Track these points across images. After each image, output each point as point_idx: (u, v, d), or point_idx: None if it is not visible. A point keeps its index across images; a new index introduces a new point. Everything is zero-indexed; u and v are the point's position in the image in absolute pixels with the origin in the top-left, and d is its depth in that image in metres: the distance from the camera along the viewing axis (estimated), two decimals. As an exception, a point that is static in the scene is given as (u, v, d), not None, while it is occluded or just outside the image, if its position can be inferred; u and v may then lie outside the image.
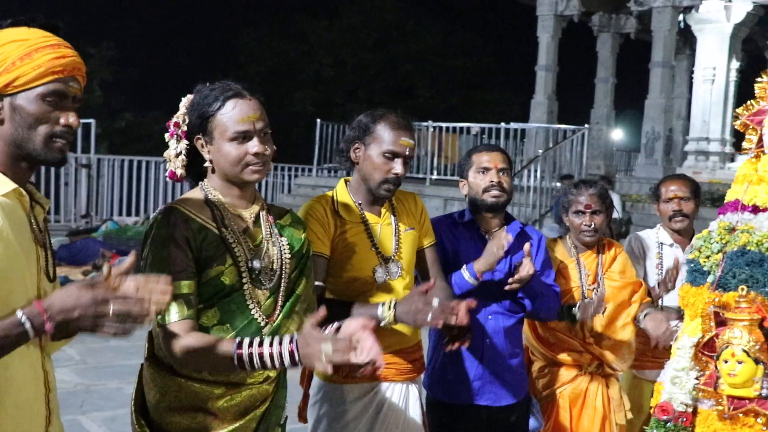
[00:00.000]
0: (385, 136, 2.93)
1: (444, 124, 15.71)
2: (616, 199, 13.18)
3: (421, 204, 3.23)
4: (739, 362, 2.19)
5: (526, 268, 3.14)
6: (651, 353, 3.84)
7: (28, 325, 1.69)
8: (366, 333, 2.10)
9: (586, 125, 14.25)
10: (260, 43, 30.77)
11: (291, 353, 2.13)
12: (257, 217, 2.45)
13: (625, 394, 3.82)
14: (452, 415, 3.42)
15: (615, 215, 11.78)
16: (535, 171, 13.02)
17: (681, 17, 15.92)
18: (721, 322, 2.26)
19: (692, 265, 2.43)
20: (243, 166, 2.33)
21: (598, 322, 3.68)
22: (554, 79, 17.44)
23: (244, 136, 2.32)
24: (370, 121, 2.98)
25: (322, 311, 2.15)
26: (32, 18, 1.96)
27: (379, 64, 30.54)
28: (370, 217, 3.02)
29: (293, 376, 2.60)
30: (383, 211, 3.05)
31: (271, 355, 2.14)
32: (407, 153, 2.94)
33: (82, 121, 15.90)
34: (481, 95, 31.43)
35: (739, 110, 2.46)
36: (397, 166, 2.92)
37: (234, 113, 2.32)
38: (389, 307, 2.72)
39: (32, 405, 1.94)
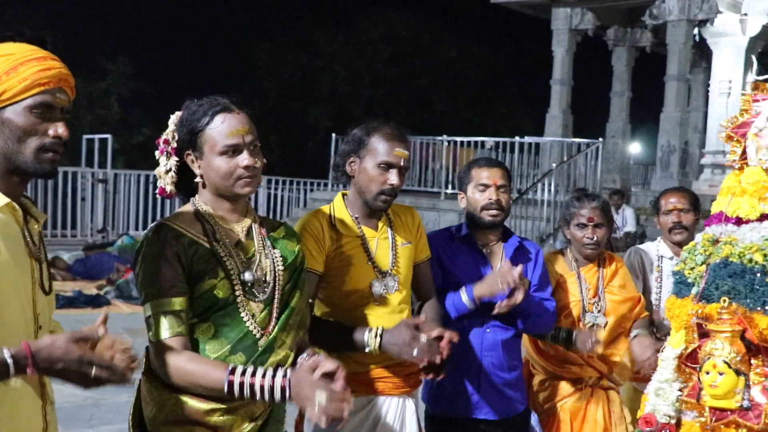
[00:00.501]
0: (379, 147, 2.94)
1: (459, 138, 15.71)
2: (630, 213, 13.13)
3: (418, 218, 3.23)
4: (721, 373, 2.20)
5: (518, 296, 3.12)
6: (637, 370, 3.82)
7: (11, 364, 1.73)
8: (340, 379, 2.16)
9: (600, 139, 14.21)
10: (276, 58, 30.95)
11: (283, 389, 2.16)
12: (249, 229, 2.46)
13: (626, 408, 3.80)
14: (451, 428, 3.41)
15: (629, 229, 11.70)
16: (549, 185, 12.98)
17: (696, 31, 15.85)
18: (704, 334, 2.27)
19: (677, 276, 2.44)
20: (234, 180, 2.35)
21: (599, 334, 3.67)
22: (569, 93, 17.40)
23: (233, 150, 2.33)
24: (363, 134, 2.99)
25: (321, 358, 2.20)
26: (19, 32, 1.98)
27: (395, 78, 30.64)
28: (367, 231, 3.03)
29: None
30: (380, 225, 3.06)
31: (262, 387, 2.16)
32: (402, 163, 2.95)
33: (100, 136, 16.15)
34: (496, 109, 31.43)
35: (723, 123, 2.47)
36: (393, 177, 2.93)
37: (223, 127, 2.33)
38: (375, 335, 2.75)
39: (28, 417, 1.97)
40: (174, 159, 2.42)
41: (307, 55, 30.77)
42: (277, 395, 2.17)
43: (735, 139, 2.43)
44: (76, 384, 1.80)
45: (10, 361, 1.72)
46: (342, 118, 28.51)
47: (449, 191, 14.86)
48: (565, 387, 3.71)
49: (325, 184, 17.47)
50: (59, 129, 1.96)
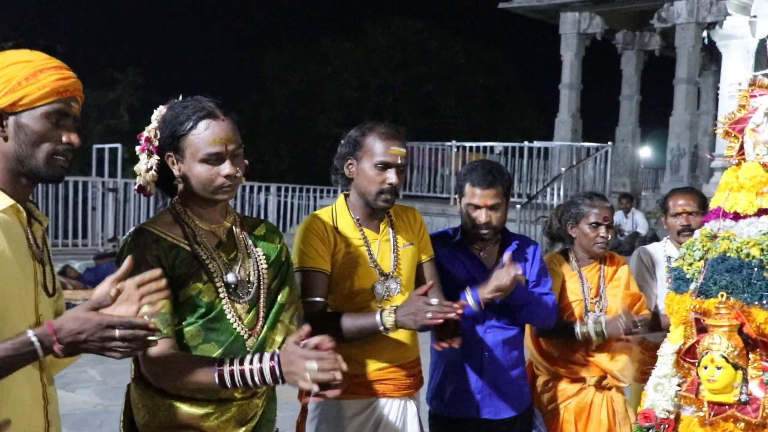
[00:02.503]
0: (375, 147, 2.93)
1: (468, 144, 15.72)
2: (640, 216, 13.10)
3: (420, 219, 3.22)
4: (719, 368, 2.20)
5: (504, 281, 3.03)
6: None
7: (37, 345, 1.76)
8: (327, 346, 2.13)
9: (609, 143, 14.19)
10: (284, 66, 31.05)
11: (272, 369, 2.14)
12: (230, 231, 2.45)
13: (631, 407, 3.79)
14: (454, 428, 3.42)
15: (641, 231, 11.64)
16: (559, 189, 12.97)
17: (705, 33, 15.83)
18: (702, 329, 2.27)
19: (676, 272, 2.44)
20: (214, 188, 2.32)
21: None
22: (578, 97, 17.40)
23: (216, 158, 2.30)
24: (359, 135, 2.98)
25: (306, 329, 2.16)
26: (33, 42, 2.04)
27: (403, 85, 30.67)
28: (369, 233, 3.03)
29: (288, 391, 2.62)
30: (382, 226, 3.06)
31: (251, 372, 2.15)
32: (399, 162, 2.94)
33: (110, 146, 16.24)
34: (505, 114, 31.41)
35: (721, 118, 2.47)
36: (391, 176, 2.92)
37: (206, 135, 2.29)
38: (389, 312, 2.74)
39: (30, 417, 1.98)
40: (155, 158, 2.37)
41: (315, 62, 30.86)
42: (268, 377, 2.15)
43: (732, 134, 2.44)
44: (104, 352, 1.81)
45: (35, 340, 1.76)
46: (350, 125, 28.42)
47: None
48: (568, 387, 3.70)
49: (335, 191, 17.49)
50: (72, 137, 2.01)
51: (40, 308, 2.02)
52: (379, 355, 2.98)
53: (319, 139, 29.53)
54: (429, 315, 2.66)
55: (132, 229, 2.40)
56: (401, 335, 2.99)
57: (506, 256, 3.10)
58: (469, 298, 3.13)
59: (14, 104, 1.95)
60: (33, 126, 1.96)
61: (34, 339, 1.75)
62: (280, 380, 2.15)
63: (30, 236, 2.03)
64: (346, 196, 3.10)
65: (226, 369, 2.16)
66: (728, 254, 2.28)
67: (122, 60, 28.17)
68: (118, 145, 15.91)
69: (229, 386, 2.18)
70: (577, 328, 3.57)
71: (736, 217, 2.37)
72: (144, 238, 2.30)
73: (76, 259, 12.48)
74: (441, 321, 2.68)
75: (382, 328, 2.77)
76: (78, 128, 2.04)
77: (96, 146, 17.09)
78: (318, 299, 2.85)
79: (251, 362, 2.16)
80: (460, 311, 2.70)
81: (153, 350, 2.19)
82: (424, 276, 3.16)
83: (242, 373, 2.16)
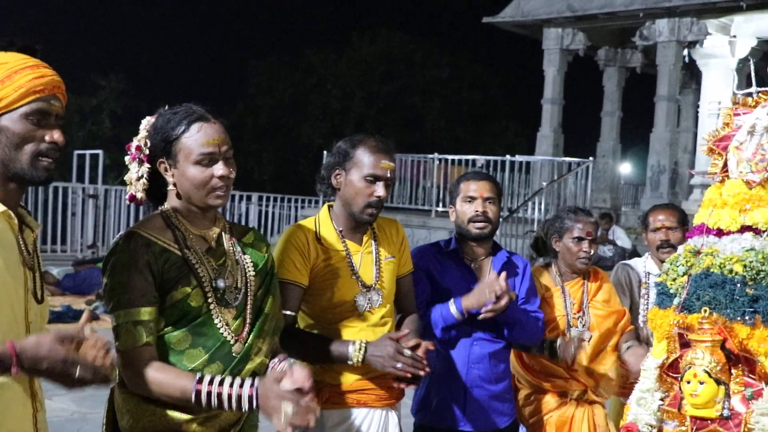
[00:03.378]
0: (365, 160, 2.93)
1: (450, 156, 15.76)
2: (621, 232, 13.17)
3: (402, 232, 3.23)
4: (701, 383, 2.22)
5: (502, 301, 3.11)
6: (633, 381, 3.84)
7: None
8: (307, 388, 2.14)
9: (591, 158, 14.28)
10: (269, 75, 31.03)
11: (250, 398, 2.15)
12: (219, 236, 2.45)
13: (611, 421, 3.81)
14: (438, 440, 3.42)
15: (623, 246, 11.69)
16: (540, 204, 13.02)
17: (686, 52, 16.00)
18: (685, 344, 2.28)
19: (660, 287, 2.46)
20: (208, 190, 2.33)
21: (583, 353, 3.68)
22: (560, 113, 17.50)
23: (209, 159, 2.32)
24: (349, 147, 2.98)
25: (297, 369, 2.18)
26: (10, 42, 2.01)
27: (387, 97, 30.72)
28: (351, 245, 3.02)
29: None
30: (365, 239, 3.05)
31: (230, 396, 2.16)
32: (388, 175, 2.94)
33: (90, 152, 16.14)
34: (488, 128, 31.52)
35: (705, 136, 2.50)
36: (379, 189, 2.92)
37: (199, 136, 2.31)
38: (359, 348, 2.76)
39: (19, 425, 1.97)
40: (146, 166, 2.38)
41: (300, 72, 30.86)
42: (245, 404, 2.16)
43: (716, 152, 2.46)
44: (60, 383, 1.80)
45: None
46: (334, 136, 28.30)
47: (440, 209, 14.89)
48: (550, 400, 3.71)
49: (317, 202, 17.48)
50: (55, 135, 1.98)
51: (30, 315, 2.00)
52: (359, 366, 2.99)
53: (303, 149, 29.51)
54: (399, 366, 2.69)
55: (122, 232, 2.38)
56: None
57: (502, 275, 3.13)
58: (452, 307, 3.16)
59: None
60: (13, 128, 1.94)
61: None
62: (256, 408, 2.17)
63: (21, 243, 2.01)
64: (330, 206, 3.09)
65: (204, 388, 2.17)
66: (711, 270, 2.30)
67: (105, 66, 28.07)
68: (100, 152, 15.80)
69: (204, 405, 2.18)
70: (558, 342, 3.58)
71: (720, 233, 2.39)
72: (135, 242, 2.29)
73: (54, 265, 12.39)
74: (408, 375, 2.73)
75: (349, 361, 2.79)
76: (62, 126, 2.01)
77: (77, 152, 16.97)
78: (289, 312, 2.83)
79: (231, 386, 2.17)
80: (426, 371, 2.73)
81: (131, 359, 2.21)
82: (402, 290, 3.16)
83: (219, 395, 2.17)
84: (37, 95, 1.96)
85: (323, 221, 3.04)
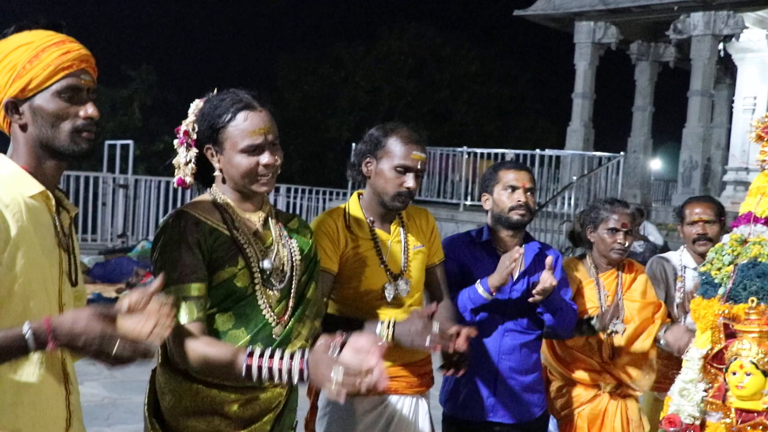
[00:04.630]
0: (396, 150, 2.91)
1: (479, 150, 15.69)
2: (652, 227, 13.03)
3: (432, 221, 3.22)
4: (748, 374, 2.17)
5: (549, 280, 3.12)
6: (673, 375, 3.77)
7: (31, 341, 1.72)
8: (373, 351, 2.08)
9: (621, 153, 14.14)
10: (297, 69, 31.07)
11: (301, 371, 2.14)
12: (266, 220, 2.47)
13: (645, 416, 3.75)
14: (467, 431, 3.39)
15: (653, 240, 11.59)
16: (570, 198, 12.92)
17: (721, 46, 15.76)
18: (730, 334, 2.23)
19: (704, 277, 2.40)
20: (254, 178, 2.35)
21: (618, 341, 3.63)
22: (591, 107, 17.32)
23: (255, 149, 2.33)
24: (381, 135, 2.96)
25: (338, 336, 2.15)
26: (35, 21, 2.00)
27: (416, 91, 30.62)
28: (381, 233, 3.01)
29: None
30: (393, 227, 3.04)
31: (280, 370, 2.15)
32: (419, 167, 2.92)
33: (121, 142, 16.28)
34: (517, 122, 31.34)
35: (754, 122, 2.44)
36: (409, 180, 2.91)
37: (245, 125, 2.32)
38: (388, 326, 2.73)
39: (51, 406, 1.96)
40: (194, 151, 2.40)
41: (328, 66, 30.87)
42: (295, 377, 2.15)
43: (765, 139, 2.40)
44: (98, 360, 1.78)
45: (29, 334, 1.71)
46: (362, 130, 28.46)
47: (468, 203, 14.84)
48: (582, 394, 3.67)
49: (345, 194, 17.49)
50: (89, 110, 1.97)
51: (64, 297, 2.00)
52: (390, 354, 2.95)
53: (330, 142, 29.54)
54: (426, 342, 2.65)
55: (172, 211, 2.41)
56: None
57: (548, 259, 3.15)
58: (479, 288, 3.12)
59: (24, 90, 1.92)
60: (47, 107, 1.93)
61: (28, 333, 1.71)
62: (306, 380, 2.16)
63: (57, 224, 2.00)
64: (360, 195, 3.08)
65: (255, 362, 2.16)
66: (759, 259, 2.25)
67: (135, 57, 28.27)
68: (130, 142, 15.90)
69: (255, 379, 2.18)
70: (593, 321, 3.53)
71: (768, 222, 2.34)
72: (185, 221, 2.31)
73: (85, 254, 12.49)
74: (437, 350, 2.68)
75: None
76: (95, 99, 2.00)
77: (108, 142, 17.11)
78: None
79: (281, 358, 2.16)
80: (462, 344, 2.68)
81: (187, 327, 2.21)
82: (434, 279, 3.15)
83: (270, 368, 2.16)
84: (66, 71, 1.94)
85: (353, 209, 3.03)
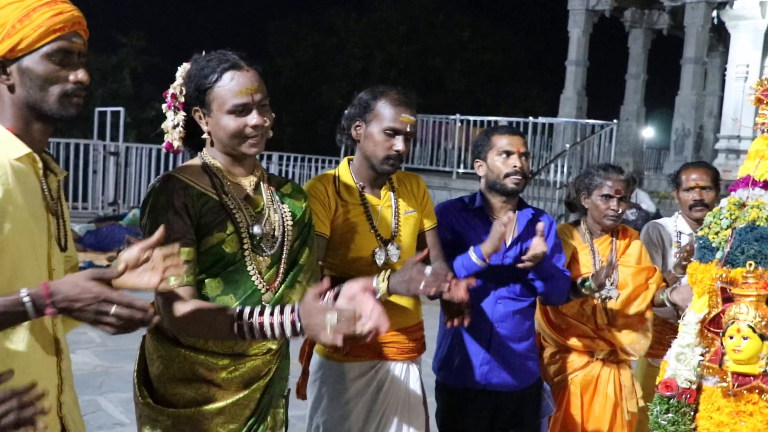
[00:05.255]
0: (385, 113, 2.89)
1: (472, 118, 15.63)
2: (644, 195, 13.06)
3: (423, 186, 3.20)
4: (745, 338, 2.16)
5: (539, 247, 3.11)
6: (666, 341, 3.78)
7: (29, 306, 1.71)
8: (367, 296, 2.08)
9: (614, 120, 14.11)
10: (289, 35, 30.80)
11: (293, 323, 2.10)
12: (257, 185, 2.43)
13: (638, 382, 3.77)
14: (461, 398, 3.39)
15: (645, 208, 11.59)
16: (562, 166, 12.91)
17: (715, 13, 15.70)
18: (727, 299, 2.23)
19: (701, 241, 2.39)
20: (242, 139, 2.31)
21: (612, 306, 3.63)
22: (584, 75, 17.29)
23: (242, 109, 2.29)
24: (370, 98, 2.94)
25: (326, 283, 2.13)
26: None
27: (408, 58, 30.42)
28: (371, 198, 3.00)
29: (294, 351, 2.58)
30: (383, 192, 3.03)
31: (272, 325, 2.12)
32: (408, 129, 2.91)
33: (112, 109, 16.14)
34: (510, 90, 31.21)
35: (753, 85, 2.41)
36: (399, 143, 2.89)
37: (232, 85, 2.28)
38: (383, 278, 2.70)
39: (43, 372, 1.94)
40: (182, 114, 2.36)
41: (321, 33, 30.62)
42: (288, 330, 2.12)
43: (765, 102, 2.37)
44: (98, 326, 1.76)
45: (27, 299, 1.70)
46: (354, 97, 28.37)
47: (461, 170, 14.82)
48: (575, 360, 3.68)
49: (337, 162, 17.37)
50: (80, 74, 1.93)
51: (53, 261, 1.97)
52: (387, 298, 2.95)
53: (322, 110, 29.35)
54: (421, 286, 2.63)
55: (160, 175, 2.37)
56: (403, 300, 2.97)
57: (539, 225, 3.15)
58: (472, 255, 3.10)
59: (13, 49, 1.86)
60: (36, 69, 1.88)
61: (26, 299, 1.70)
62: (300, 333, 2.12)
63: (45, 187, 1.97)
64: (350, 160, 3.06)
65: (245, 320, 2.13)
66: (758, 223, 2.23)
67: (126, 23, 27.96)
68: (121, 109, 15.76)
69: (247, 336, 2.15)
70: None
71: (766, 185, 2.32)
72: (173, 185, 2.28)
73: (76, 222, 12.44)
74: (433, 292, 2.66)
75: (377, 294, 2.73)
76: (85, 63, 1.96)
77: (98, 109, 16.97)
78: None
79: (271, 314, 2.13)
80: (461, 292, 2.65)
81: (176, 291, 2.17)
82: (426, 244, 3.13)
83: (261, 324, 2.13)
84: (58, 33, 1.89)
85: (343, 174, 3.01)
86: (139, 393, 2.39)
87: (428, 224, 3.15)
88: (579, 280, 3.49)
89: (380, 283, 2.70)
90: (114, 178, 14.79)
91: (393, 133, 2.88)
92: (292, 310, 2.12)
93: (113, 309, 1.73)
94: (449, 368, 3.39)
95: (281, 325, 2.12)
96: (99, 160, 14.83)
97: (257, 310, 2.16)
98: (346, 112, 3.04)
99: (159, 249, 1.83)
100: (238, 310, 2.16)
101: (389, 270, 2.75)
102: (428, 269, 2.64)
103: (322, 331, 2.03)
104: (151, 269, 1.81)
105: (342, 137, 3.04)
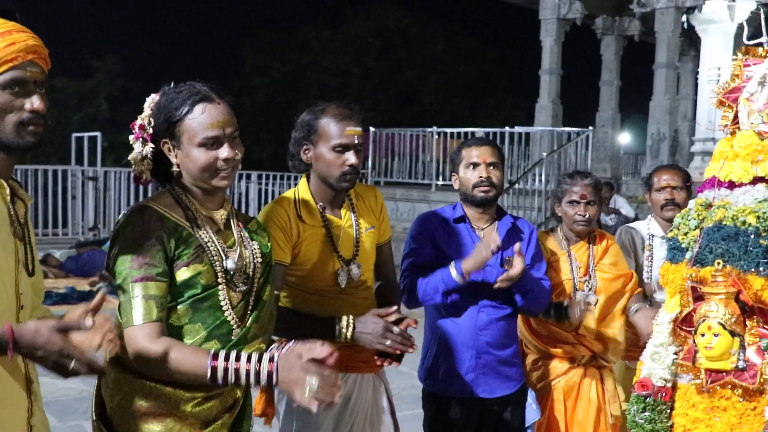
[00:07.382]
0: (330, 130, 2.84)
1: (449, 130, 15.71)
2: (622, 200, 13.16)
3: (381, 199, 3.18)
4: (716, 335, 2.21)
5: (517, 268, 3.12)
6: (643, 344, 3.82)
7: None
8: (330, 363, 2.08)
9: (590, 128, 14.23)
10: (264, 54, 30.83)
11: (269, 374, 2.08)
12: (228, 219, 2.40)
13: (620, 385, 3.80)
14: (447, 407, 3.41)
15: (625, 213, 11.69)
16: (540, 175, 13.00)
17: (684, 18, 15.87)
18: (698, 297, 2.27)
19: (671, 242, 2.44)
20: (212, 173, 2.26)
21: (591, 316, 3.67)
22: (558, 83, 17.39)
23: (213, 142, 2.24)
24: (312, 119, 2.89)
25: (324, 348, 2.10)
26: None
27: (384, 72, 30.54)
28: (332, 219, 2.95)
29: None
30: (344, 212, 2.99)
31: (248, 372, 2.09)
32: (356, 141, 2.85)
33: (89, 134, 16.08)
34: (486, 100, 31.37)
35: (715, 89, 2.47)
36: (351, 157, 2.84)
37: (203, 118, 2.23)
38: (346, 324, 2.73)
39: (12, 396, 1.95)
40: (150, 146, 2.30)
41: (295, 50, 30.66)
42: (263, 379, 2.09)
43: (727, 104, 2.43)
44: (53, 372, 1.80)
45: None
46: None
47: (440, 183, 14.87)
48: (558, 366, 3.71)
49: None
50: (35, 103, 1.92)
51: (21, 286, 1.98)
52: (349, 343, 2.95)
53: (300, 127, 29.35)
54: (388, 343, 2.68)
55: (132, 205, 2.34)
56: None
57: (516, 246, 3.16)
58: (452, 271, 3.13)
59: None
60: None
61: None
62: (275, 385, 2.10)
63: (12, 213, 1.97)
64: (308, 176, 3.01)
65: (221, 364, 2.10)
66: (724, 222, 2.28)
67: (100, 48, 27.91)
68: (98, 134, 15.76)
69: (220, 381, 2.11)
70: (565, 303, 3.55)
71: (732, 185, 2.37)
72: (149, 215, 2.23)
73: (56, 248, 12.38)
74: (398, 352, 2.71)
75: (338, 339, 2.75)
76: (43, 92, 1.95)
77: (75, 135, 16.91)
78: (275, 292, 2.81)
79: (248, 361, 2.11)
80: (414, 348, 2.73)
81: (141, 334, 2.14)
82: (381, 257, 3.14)
83: (237, 370, 2.10)
84: (10, 64, 1.89)
85: (302, 194, 2.95)
86: (98, 430, 2.31)
87: (384, 237, 3.15)
88: (554, 304, 3.53)
89: (344, 329, 2.73)
90: (93, 203, 14.73)
91: (342, 149, 2.83)
92: (271, 360, 2.10)
93: (72, 364, 1.77)
94: (435, 377, 3.42)
95: (257, 374, 2.09)
96: (78, 186, 14.78)
97: (233, 354, 2.12)
98: (292, 136, 2.97)
99: (100, 313, 1.84)
100: (212, 352, 2.13)
101: (351, 317, 2.76)
102: (396, 329, 2.70)
103: (298, 390, 2.02)
104: (93, 331, 1.82)
105: (293, 163, 2.98)
